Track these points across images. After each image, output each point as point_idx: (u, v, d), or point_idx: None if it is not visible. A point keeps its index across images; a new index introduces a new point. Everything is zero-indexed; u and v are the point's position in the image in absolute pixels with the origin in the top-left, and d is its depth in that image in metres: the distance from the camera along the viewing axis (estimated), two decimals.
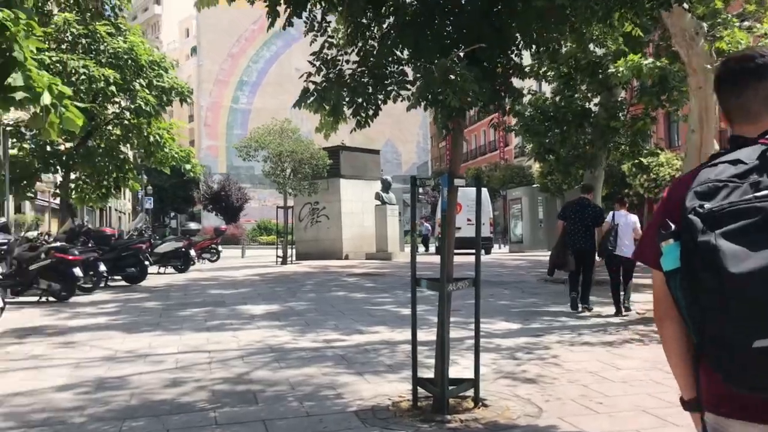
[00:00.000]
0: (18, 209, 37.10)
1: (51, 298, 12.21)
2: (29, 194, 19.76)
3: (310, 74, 4.39)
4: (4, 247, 8.15)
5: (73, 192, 19.75)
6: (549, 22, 4.46)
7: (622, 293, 9.89)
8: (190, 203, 59.24)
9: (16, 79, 7.35)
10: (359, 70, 4.44)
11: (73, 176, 19.55)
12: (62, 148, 18.60)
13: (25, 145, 18.16)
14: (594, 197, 12.09)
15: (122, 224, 52.78)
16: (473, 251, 5.13)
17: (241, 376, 6.13)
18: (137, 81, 17.03)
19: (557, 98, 15.54)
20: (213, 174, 57.77)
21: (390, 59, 4.39)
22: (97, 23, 15.99)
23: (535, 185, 29.75)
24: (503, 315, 9.73)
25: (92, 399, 5.39)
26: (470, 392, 5.00)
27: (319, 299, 11.86)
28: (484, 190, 27.52)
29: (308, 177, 21.85)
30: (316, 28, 4.62)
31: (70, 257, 12.16)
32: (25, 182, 18.28)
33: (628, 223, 9.90)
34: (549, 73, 15.41)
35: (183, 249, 18.76)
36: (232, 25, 60.82)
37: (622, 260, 9.88)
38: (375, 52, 4.36)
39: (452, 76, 3.76)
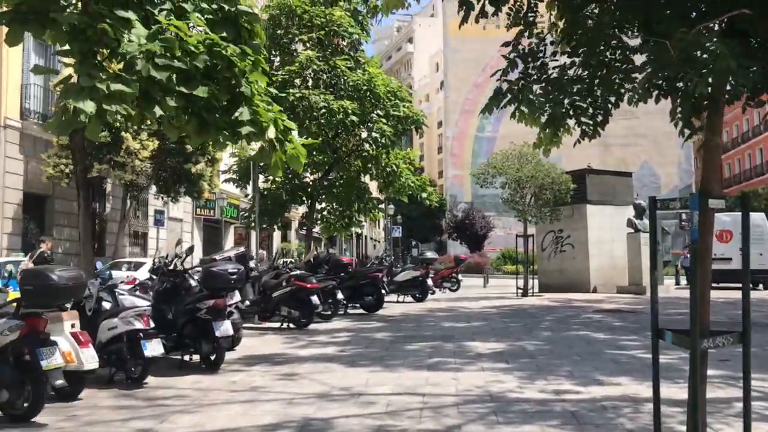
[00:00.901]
0: (284, 238, 40.77)
1: (292, 325, 12.64)
2: (278, 224, 21.21)
3: (505, 71, 3.56)
4: (234, 276, 8.34)
5: (318, 222, 20.82)
6: None
7: None
8: (436, 232, 60.57)
9: (242, 113, 7.55)
10: (570, 62, 3.50)
11: (318, 207, 20.63)
12: (308, 180, 19.73)
13: (277, 179, 19.55)
14: None
15: (377, 251, 55.44)
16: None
17: (450, 430, 5.37)
18: (375, 112, 17.41)
19: None
20: (458, 203, 58.43)
21: (613, 44, 3.38)
22: (337, 59, 16.69)
23: None
24: None
25: None
26: None
27: (555, 339, 10.69)
28: (759, 215, 23.79)
29: (550, 203, 20.61)
30: (521, 22, 3.78)
31: (309, 285, 12.49)
32: (275, 213, 19.65)
33: None
34: None
35: (420, 278, 18.67)
36: (477, 55, 61.42)
37: None
38: (590, 37, 3.39)
39: (698, 53, 2.68)
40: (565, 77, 3.51)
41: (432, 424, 5.56)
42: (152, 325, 7.47)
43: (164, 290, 8.92)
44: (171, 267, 9.22)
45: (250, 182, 18.87)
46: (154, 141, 18.97)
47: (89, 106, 5.94)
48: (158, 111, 6.81)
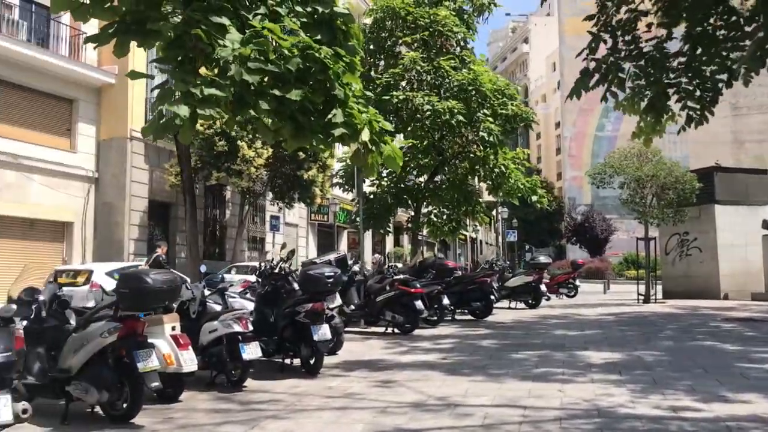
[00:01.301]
0: (396, 242, 40.93)
1: (396, 330, 12.46)
2: (387, 228, 21.10)
3: (592, 48, 3.15)
4: (331, 279, 8.25)
5: (425, 225, 20.56)
6: None
7: None
8: (555, 236, 58.73)
9: (336, 115, 7.45)
10: (666, 34, 3.05)
11: (425, 210, 20.38)
12: (414, 183, 19.53)
13: (383, 183, 19.49)
14: None
15: (485, 256, 54.54)
16: None
17: None
18: (481, 111, 16.97)
19: None
20: (577, 205, 56.34)
21: (718, 10, 2.89)
22: (441, 59, 16.40)
23: None
24: None
25: None
26: None
27: (676, 349, 9.85)
28: None
29: (673, 204, 19.27)
30: None
31: (412, 290, 12.28)
32: (382, 217, 19.59)
33: None
34: None
35: (533, 283, 18.00)
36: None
37: None
38: (691, 3, 2.92)
39: None
40: (664, 50, 3.06)
41: None
42: (251, 328, 7.51)
43: (266, 293, 8.99)
44: (276, 270, 9.27)
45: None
46: (268, 149, 19.42)
47: (183, 110, 6.04)
48: (252, 113, 6.85)
